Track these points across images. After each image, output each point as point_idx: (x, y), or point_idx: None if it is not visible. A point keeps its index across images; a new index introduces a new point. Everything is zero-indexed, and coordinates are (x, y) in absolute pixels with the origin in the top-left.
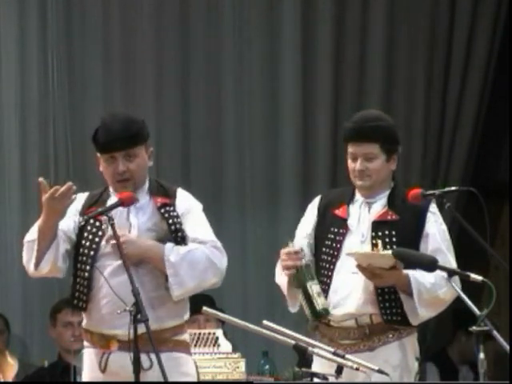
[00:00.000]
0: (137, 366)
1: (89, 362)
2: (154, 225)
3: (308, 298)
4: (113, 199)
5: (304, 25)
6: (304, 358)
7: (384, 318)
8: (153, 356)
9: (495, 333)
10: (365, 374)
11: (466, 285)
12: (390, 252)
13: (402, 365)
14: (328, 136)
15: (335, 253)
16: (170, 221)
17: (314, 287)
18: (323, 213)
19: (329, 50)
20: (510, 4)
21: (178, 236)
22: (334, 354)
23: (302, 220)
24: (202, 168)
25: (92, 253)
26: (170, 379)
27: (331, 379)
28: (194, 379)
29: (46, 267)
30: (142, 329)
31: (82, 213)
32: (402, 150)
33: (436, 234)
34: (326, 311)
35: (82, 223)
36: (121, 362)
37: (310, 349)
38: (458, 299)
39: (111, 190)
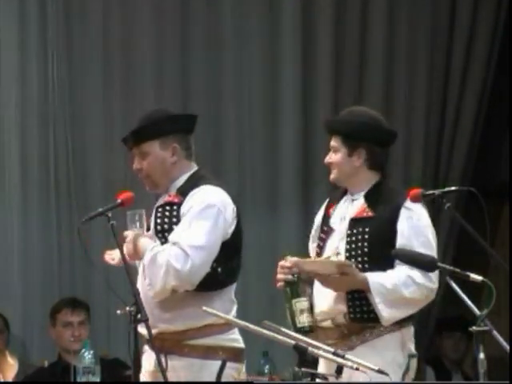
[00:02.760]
0: (136, 365)
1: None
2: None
3: (291, 314)
4: (159, 200)
5: (304, 25)
6: (304, 358)
7: (351, 316)
8: (172, 358)
9: (495, 333)
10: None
11: (466, 285)
12: (334, 259)
13: (383, 362)
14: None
15: (319, 251)
16: (159, 221)
17: (297, 304)
18: (324, 214)
19: (329, 50)
20: (509, 4)
21: (163, 237)
22: (334, 354)
23: None
24: None
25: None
26: None
27: (331, 379)
28: None
29: None
30: (156, 329)
31: None
32: (403, 149)
33: (405, 230)
34: (305, 329)
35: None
36: (147, 360)
37: (310, 349)
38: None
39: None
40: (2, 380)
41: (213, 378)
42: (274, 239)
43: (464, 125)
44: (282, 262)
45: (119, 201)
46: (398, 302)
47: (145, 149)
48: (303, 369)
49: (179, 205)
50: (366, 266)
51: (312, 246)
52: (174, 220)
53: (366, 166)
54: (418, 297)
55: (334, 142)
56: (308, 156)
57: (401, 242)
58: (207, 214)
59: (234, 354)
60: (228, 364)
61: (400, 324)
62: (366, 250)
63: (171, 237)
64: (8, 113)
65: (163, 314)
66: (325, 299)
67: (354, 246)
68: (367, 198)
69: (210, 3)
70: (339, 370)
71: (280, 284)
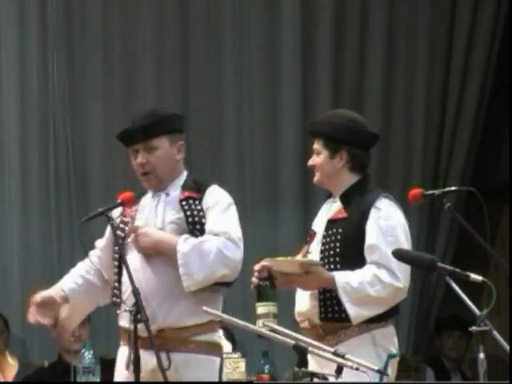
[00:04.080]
0: (137, 365)
1: (117, 359)
2: (178, 218)
3: (254, 317)
4: (147, 196)
5: (304, 25)
6: (304, 358)
7: (322, 316)
8: (172, 355)
9: (495, 333)
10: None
11: (466, 285)
12: (297, 258)
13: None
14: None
15: (306, 255)
16: (189, 213)
17: (259, 309)
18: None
19: (329, 51)
20: (509, 5)
21: (195, 228)
22: (334, 354)
23: None
24: (202, 168)
25: (117, 248)
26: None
27: (331, 379)
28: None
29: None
30: (158, 326)
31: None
32: (403, 149)
33: (373, 230)
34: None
35: (116, 223)
36: (142, 360)
37: (310, 349)
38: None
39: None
40: (2, 380)
41: (216, 375)
42: (274, 239)
43: (464, 125)
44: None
45: (119, 201)
46: (365, 300)
47: (154, 144)
48: (303, 369)
49: (200, 200)
50: (338, 266)
51: None
52: (201, 213)
53: (347, 167)
54: (384, 296)
55: (316, 145)
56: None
57: (368, 242)
58: (233, 211)
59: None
60: None
61: (370, 325)
62: (338, 250)
63: (211, 228)
64: (8, 113)
65: (170, 311)
66: (302, 300)
67: (327, 246)
68: (342, 198)
69: (210, 3)
70: (339, 370)
71: (252, 286)
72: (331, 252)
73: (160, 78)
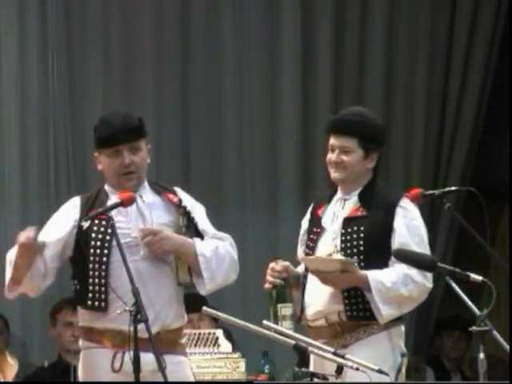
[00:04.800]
0: (137, 365)
1: (94, 362)
2: (169, 221)
3: (275, 318)
4: (113, 199)
5: (304, 25)
6: (304, 358)
7: (348, 314)
8: (166, 357)
9: (495, 333)
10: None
11: (466, 285)
12: (338, 257)
13: (377, 361)
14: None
15: (310, 252)
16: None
17: (283, 310)
18: (311, 216)
19: (329, 50)
20: (509, 5)
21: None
22: (334, 354)
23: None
24: (202, 168)
25: (106, 251)
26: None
27: (331, 379)
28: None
29: (22, 290)
30: (156, 328)
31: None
32: (403, 149)
33: (403, 229)
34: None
35: (86, 225)
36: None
37: (310, 349)
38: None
39: (107, 189)
40: (2, 380)
41: (192, 375)
42: (274, 239)
43: (464, 125)
44: (272, 264)
45: (119, 201)
46: (397, 300)
47: (138, 145)
48: (303, 369)
49: (182, 201)
50: (362, 264)
51: (300, 250)
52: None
53: (372, 168)
54: (415, 295)
55: (346, 143)
56: (308, 156)
57: (398, 240)
58: None
59: None
60: None
61: (388, 323)
62: (361, 248)
63: (214, 232)
64: (8, 113)
65: (168, 314)
66: (320, 298)
67: (348, 244)
68: (360, 197)
69: (210, 3)
70: (339, 370)
71: (267, 286)
72: (354, 250)
73: (160, 78)
